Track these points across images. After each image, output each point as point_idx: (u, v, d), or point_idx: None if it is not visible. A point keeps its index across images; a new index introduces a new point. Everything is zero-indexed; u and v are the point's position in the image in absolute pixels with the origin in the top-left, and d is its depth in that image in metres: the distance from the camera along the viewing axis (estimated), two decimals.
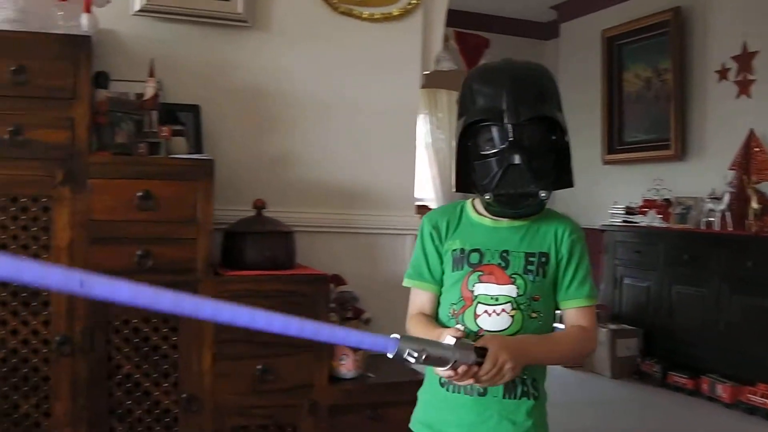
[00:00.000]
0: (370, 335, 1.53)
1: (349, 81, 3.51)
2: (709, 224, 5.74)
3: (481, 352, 1.59)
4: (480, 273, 1.78)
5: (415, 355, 1.49)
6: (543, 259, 1.79)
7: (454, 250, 1.83)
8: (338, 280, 3.12)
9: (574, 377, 5.99)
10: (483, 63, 1.91)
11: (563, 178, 1.83)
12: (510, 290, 1.75)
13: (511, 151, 1.71)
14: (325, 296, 2.87)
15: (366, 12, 3.50)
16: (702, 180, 6.03)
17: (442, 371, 1.59)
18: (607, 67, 7.17)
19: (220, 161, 2.87)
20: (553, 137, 1.78)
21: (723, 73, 6.04)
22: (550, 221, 1.83)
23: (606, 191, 7.10)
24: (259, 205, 2.99)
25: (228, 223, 2.99)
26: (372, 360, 3.00)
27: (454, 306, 1.81)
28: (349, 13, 3.48)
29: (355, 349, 2.98)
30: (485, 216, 1.85)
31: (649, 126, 6.74)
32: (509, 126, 1.70)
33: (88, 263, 2.62)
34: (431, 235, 1.88)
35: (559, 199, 7.78)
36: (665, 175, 6.42)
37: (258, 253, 2.87)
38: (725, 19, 6.05)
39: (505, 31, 8.03)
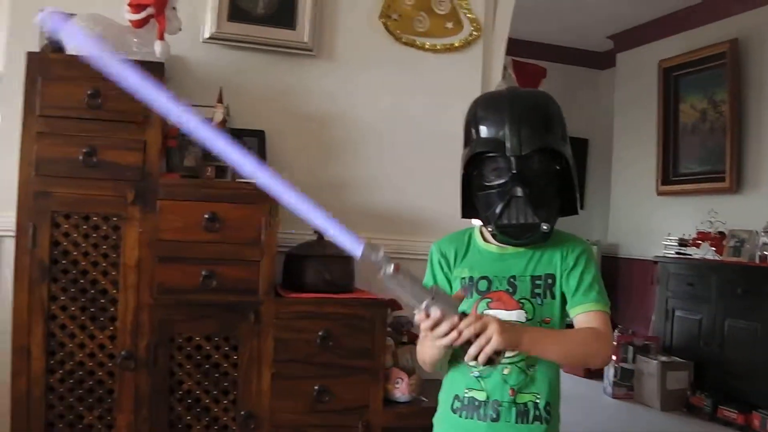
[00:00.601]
0: (344, 230, 1.49)
1: (410, 109, 3.60)
2: (763, 258, 5.67)
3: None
4: (489, 300, 1.79)
5: (380, 255, 1.46)
6: (549, 281, 1.79)
7: (463, 278, 1.84)
8: (394, 304, 3.17)
9: (624, 408, 5.96)
10: (488, 92, 1.92)
11: (568, 206, 1.84)
12: (519, 315, 1.76)
13: (513, 184, 1.73)
14: (382, 320, 2.93)
15: (428, 43, 3.59)
16: (757, 213, 5.96)
17: (417, 313, 1.53)
18: (663, 97, 7.13)
19: None
20: (557, 167, 1.78)
21: None
22: (557, 244, 1.82)
23: (659, 222, 7.06)
24: None
25: (290, 246, 3.07)
26: (426, 384, 3.04)
27: None
28: (411, 44, 3.57)
29: (410, 373, 3.03)
30: (492, 243, 1.86)
31: (705, 157, 6.69)
32: (512, 158, 1.72)
33: (154, 281, 2.71)
34: (440, 263, 1.89)
35: (612, 229, 7.81)
36: (720, 207, 6.36)
37: (318, 276, 2.94)
38: None
39: (561, 60, 8.06)
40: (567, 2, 6.89)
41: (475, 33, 3.64)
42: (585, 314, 1.76)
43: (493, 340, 1.52)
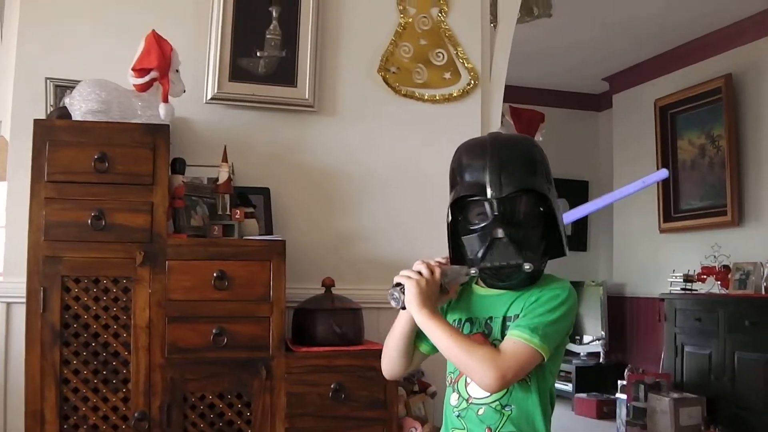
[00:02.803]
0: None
1: (412, 160, 3.64)
2: None
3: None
4: None
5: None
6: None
7: (454, 320, 1.87)
8: None
9: None
10: (470, 138, 1.95)
11: (554, 248, 1.82)
12: None
13: (494, 226, 1.73)
14: None
15: (427, 94, 3.65)
16: (760, 245, 5.98)
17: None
18: (660, 136, 7.18)
19: (289, 241, 2.96)
20: (541, 209, 1.78)
21: None
22: (541, 285, 1.81)
23: (663, 260, 7.07)
24: (328, 283, 3.09)
25: (298, 301, 3.09)
26: None
27: (452, 375, 1.86)
28: (410, 96, 3.63)
29: (423, 422, 3.03)
30: (481, 285, 1.89)
31: (705, 193, 6.73)
32: (494, 201, 1.73)
33: (165, 341, 2.72)
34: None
35: (617, 269, 7.80)
36: (723, 241, 6.38)
37: (328, 329, 2.96)
38: None
39: (558, 104, 8.13)
40: (561, 47, 6.97)
41: (473, 82, 3.70)
42: (508, 339, 1.72)
43: (410, 283, 1.76)
